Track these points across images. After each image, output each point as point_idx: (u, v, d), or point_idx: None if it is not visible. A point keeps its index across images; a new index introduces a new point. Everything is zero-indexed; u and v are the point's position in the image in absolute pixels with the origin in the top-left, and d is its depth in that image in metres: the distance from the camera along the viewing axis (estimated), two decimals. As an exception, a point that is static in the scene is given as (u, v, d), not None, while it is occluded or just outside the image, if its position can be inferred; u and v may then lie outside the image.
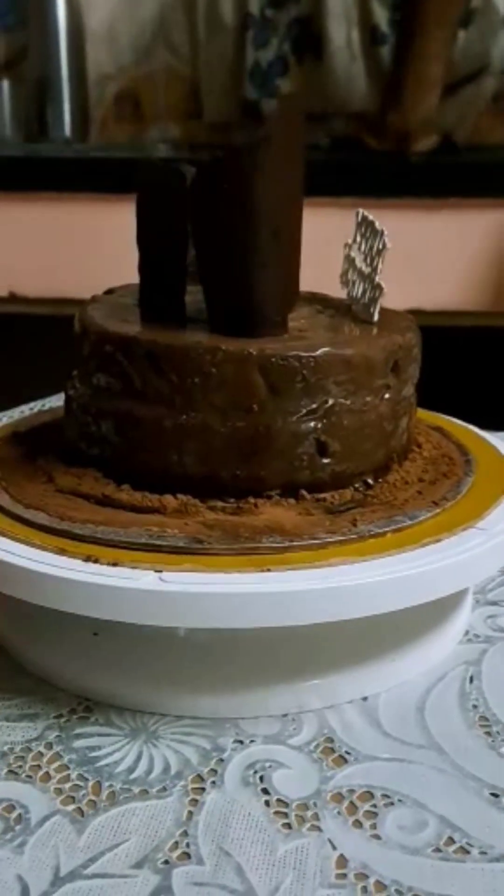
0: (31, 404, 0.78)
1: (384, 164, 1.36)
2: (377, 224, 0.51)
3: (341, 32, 1.58)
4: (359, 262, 0.52)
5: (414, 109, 1.39)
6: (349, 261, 0.53)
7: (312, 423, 0.46)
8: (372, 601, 0.41)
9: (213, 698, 0.44)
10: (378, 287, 0.50)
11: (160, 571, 0.41)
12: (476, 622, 0.52)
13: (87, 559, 0.42)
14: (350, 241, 0.53)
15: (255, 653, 0.45)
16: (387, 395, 0.48)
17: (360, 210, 0.52)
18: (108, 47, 1.67)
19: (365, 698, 0.45)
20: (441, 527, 0.45)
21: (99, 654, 0.46)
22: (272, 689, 0.44)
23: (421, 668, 0.47)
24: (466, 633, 0.51)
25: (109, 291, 0.55)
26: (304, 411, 0.46)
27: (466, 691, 0.46)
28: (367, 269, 0.51)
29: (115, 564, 0.41)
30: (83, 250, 1.27)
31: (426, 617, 0.48)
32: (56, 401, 0.69)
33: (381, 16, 1.57)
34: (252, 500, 0.46)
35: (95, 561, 0.41)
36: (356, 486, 0.48)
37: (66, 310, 0.52)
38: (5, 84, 1.61)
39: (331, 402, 0.46)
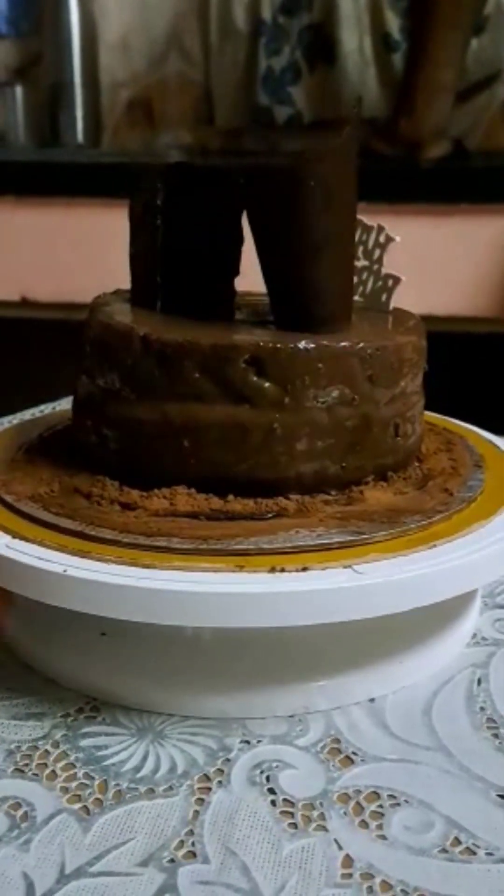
0: (42, 407, 0.78)
1: (395, 170, 1.36)
2: (366, 222, 0.52)
3: (353, 39, 1.58)
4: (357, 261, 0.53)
5: (425, 116, 1.39)
6: None
7: (393, 408, 0.49)
8: (370, 602, 0.41)
9: (220, 698, 0.44)
10: (391, 277, 0.52)
11: (349, 567, 0.41)
12: (484, 625, 0.52)
13: (273, 570, 0.41)
14: None
15: (263, 653, 0.45)
16: (419, 381, 0.51)
17: None
18: (121, 54, 1.68)
19: (372, 700, 0.45)
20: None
21: (107, 654, 0.46)
22: (280, 690, 0.44)
23: (428, 671, 0.47)
24: (474, 635, 0.51)
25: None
26: (390, 397, 0.48)
27: (474, 694, 0.46)
28: (367, 264, 0.52)
29: (305, 569, 0.41)
30: (95, 255, 1.27)
31: (434, 619, 0.48)
32: (65, 404, 0.69)
33: (394, 23, 1.57)
34: (354, 488, 0.48)
35: (282, 570, 0.41)
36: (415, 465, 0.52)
37: (78, 314, 0.52)
38: (19, 90, 1.62)
39: (403, 385, 0.49)
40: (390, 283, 0.52)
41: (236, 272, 0.49)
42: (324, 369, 0.46)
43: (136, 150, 1.62)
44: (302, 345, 0.46)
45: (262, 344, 0.45)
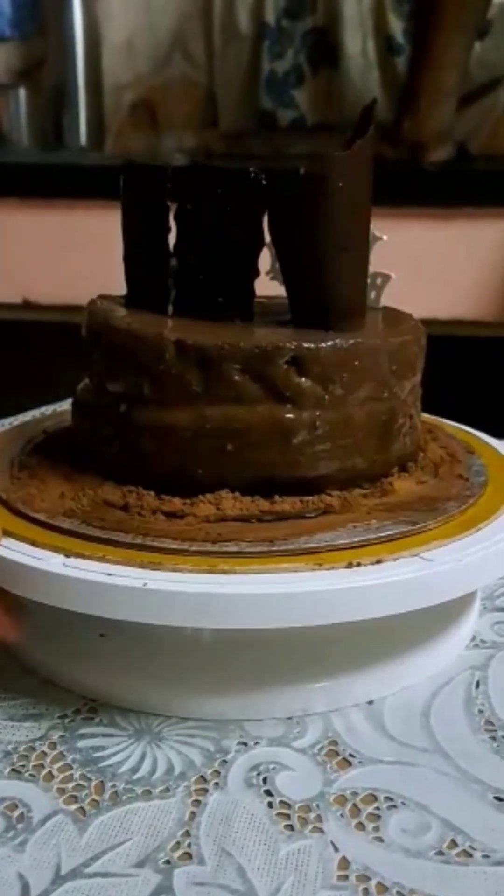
0: (43, 409, 0.78)
1: (398, 173, 1.36)
2: None
3: (357, 43, 1.59)
4: None
5: (429, 118, 1.39)
6: None
7: (410, 401, 0.50)
8: (367, 604, 0.41)
9: (217, 700, 0.44)
10: (380, 275, 0.53)
11: (416, 556, 0.43)
12: (483, 628, 0.52)
13: (350, 565, 0.41)
14: None
15: (261, 655, 0.45)
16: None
17: None
18: (124, 57, 1.68)
19: (370, 702, 0.45)
20: (486, 510, 0.47)
21: (105, 655, 0.46)
22: (277, 692, 0.44)
23: (427, 673, 0.47)
24: (473, 638, 0.50)
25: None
26: (408, 390, 0.50)
27: (472, 696, 0.46)
28: None
29: (379, 562, 0.42)
30: (97, 258, 1.28)
31: (433, 622, 0.48)
32: (65, 405, 0.69)
33: (397, 26, 1.57)
34: (384, 480, 0.49)
35: (358, 564, 0.41)
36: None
37: (79, 317, 0.52)
38: (22, 92, 1.62)
39: (416, 378, 0.50)
40: (379, 280, 0.53)
41: (256, 273, 0.49)
42: (359, 366, 0.47)
43: (139, 153, 1.62)
44: (340, 343, 0.46)
45: (303, 344, 0.46)
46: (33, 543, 0.43)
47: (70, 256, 1.35)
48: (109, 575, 0.40)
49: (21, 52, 1.67)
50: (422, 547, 0.43)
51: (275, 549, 0.42)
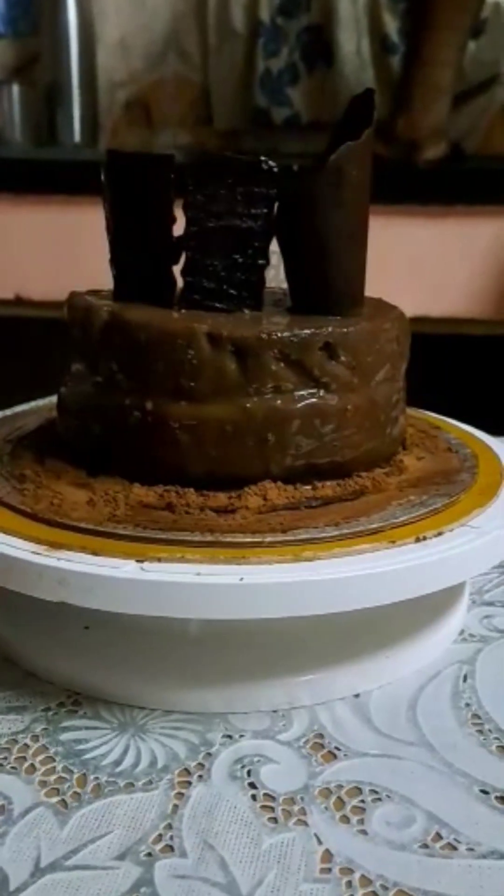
0: (32, 404, 0.77)
1: (392, 172, 1.36)
2: None
3: (351, 41, 1.59)
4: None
5: (423, 116, 1.39)
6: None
7: (404, 381, 0.52)
8: (362, 595, 0.41)
9: (202, 693, 0.44)
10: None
11: (464, 525, 0.44)
12: (471, 622, 0.51)
13: (418, 539, 0.43)
14: None
15: (247, 648, 0.44)
16: None
17: None
18: (119, 54, 1.68)
19: (357, 695, 0.45)
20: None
21: (89, 647, 0.46)
22: (263, 685, 0.44)
23: (414, 666, 0.47)
24: (461, 632, 0.50)
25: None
26: (405, 371, 0.52)
27: (459, 690, 0.45)
28: None
29: (440, 534, 0.43)
30: (90, 254, 1.27)
31: (421, 615, 0.47)
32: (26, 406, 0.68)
33: (392, 25, 1.58)
34: (394, 458, 0.51)
35: (424, 538, 0.43)
36: None
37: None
38: (16, 88, 1.62)
39: (408, 358, 0.52)
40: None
41: (267, 262, 0.49)
42: (379, 349, 0.48)
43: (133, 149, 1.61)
44: (366, 327, 0.47)
45: (336, 329, 0.46)
46: (95, 553, 0.41)
47: (63, 253, 1.35)
48: (198, 574, 0.39)
49: (15, 49, 1.67)
50: (468, 516, 0.45)
51: (345, 531, 0.42)
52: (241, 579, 0.39)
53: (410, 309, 0.53)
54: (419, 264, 1.29)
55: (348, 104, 0.51)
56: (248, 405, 0.45)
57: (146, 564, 0.40)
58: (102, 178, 0.50)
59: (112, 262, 0.51)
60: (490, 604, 0.53)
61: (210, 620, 0.41)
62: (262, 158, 0.47)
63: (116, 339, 0.47)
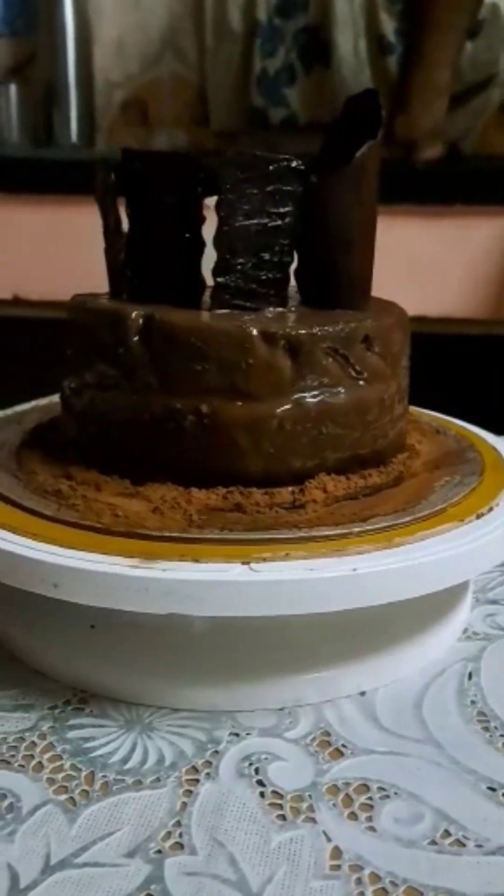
0: (32, 403, 0.77)
1: (389, 171, 1.36)
2: None
3: (349, 42, 1.58)
4: None
5: (420, 116, 1.39)
6: None
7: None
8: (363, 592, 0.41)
9: (209, 691, 0.44)
10: None
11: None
12: (475, 620, 0.51)
13: (479, 516, 0.45)
14: None
15: (253, 646, 0.44)
16: None
17: None
18: (115, 54, 1.68)
19: (363, 693, 0.45)
20: (483, 498, 0.48)
21: (95, 645, 0.46)
22: (270, 683, 0.44)
23: (420, 664, 0.47)
24: (465, 630, 0.50)
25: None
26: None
27: (465, 687, 0.45)
28: None
29: (491, 509, 0.46)
30: (87, 254, 1.27)
31: (425, 613, 0.47)
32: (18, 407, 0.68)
33: (389, 25, 1.57)
34: (407, 443, 0.53)
35: (480, 516, 0.45)
36: None
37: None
38: (13, 88, 1.62)
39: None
40: None
41: (292, 259, 0.50)
42: (404, 339, 0.51)
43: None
44: (395, 319, 0.50)
45: (370, 322, 0.48)
46: (196, 560, 0.40)
47: (61, 253, 1.35)
48: (311, 570, 0.39)
49: (12, 48, 1.67)
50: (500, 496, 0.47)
51: (418, 516, 0.44)
52: (355, 570, 0.39)
53: (408, 309, 0.53)
54: (417, 264, 1.29)
55: (344, 104, 0.51)
56: (303, 401, 0.46)
57: (254, 565, 0.40)
58: (101, 178, 0.50)
59: (125, 263, 0.50)
60: (494, 602, 0.53)
61: (215, 618, 0.41)
62: (290, 157, 0.48)
63: (159, 344, 0.46)
